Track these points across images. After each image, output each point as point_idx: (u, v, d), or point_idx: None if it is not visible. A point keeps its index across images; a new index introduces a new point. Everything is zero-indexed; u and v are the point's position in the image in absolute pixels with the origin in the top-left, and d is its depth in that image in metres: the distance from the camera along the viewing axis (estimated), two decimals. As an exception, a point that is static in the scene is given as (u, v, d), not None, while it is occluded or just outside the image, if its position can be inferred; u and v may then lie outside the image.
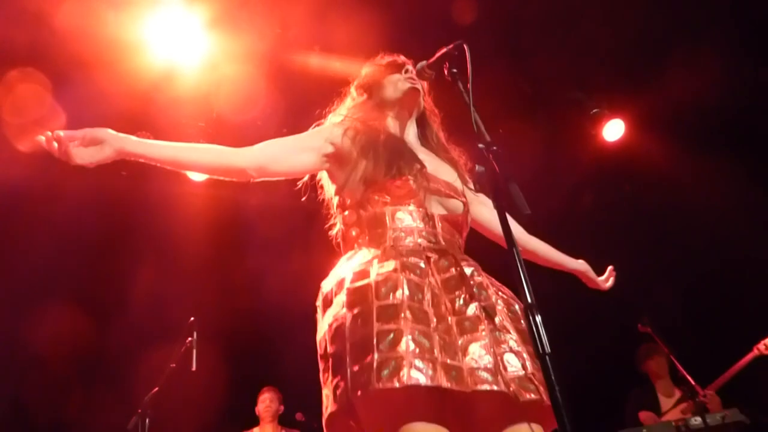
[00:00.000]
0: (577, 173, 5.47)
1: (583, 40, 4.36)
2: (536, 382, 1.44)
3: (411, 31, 3.75)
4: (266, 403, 4.92)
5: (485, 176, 1.47)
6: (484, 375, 1.42)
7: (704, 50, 4.15)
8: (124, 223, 5.06)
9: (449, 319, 1.51)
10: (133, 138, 1.58)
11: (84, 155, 1.51)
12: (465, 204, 1.81)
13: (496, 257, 1.74)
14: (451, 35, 1.73)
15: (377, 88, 1.94)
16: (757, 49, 4.47)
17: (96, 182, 4.68)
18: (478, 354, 1.45)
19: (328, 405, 1.49)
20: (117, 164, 1.58)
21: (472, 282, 1.58)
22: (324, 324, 1.59)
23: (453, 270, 1.60)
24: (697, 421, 3.86)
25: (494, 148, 1.48)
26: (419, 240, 1.65)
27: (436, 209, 1.74)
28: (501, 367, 1.44)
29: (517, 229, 2.08)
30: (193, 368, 3.82)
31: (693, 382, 4.12)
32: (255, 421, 4.94)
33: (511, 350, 1.47)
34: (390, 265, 1.55)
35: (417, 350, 1.38)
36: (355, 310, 1.49)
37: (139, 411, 3.68)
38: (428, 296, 1.51)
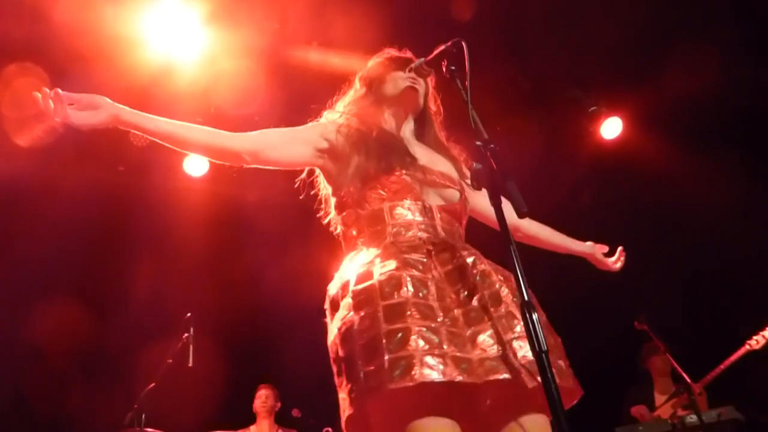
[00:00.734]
0: (575, 171, 5.47)
1: (582, 37, 4.36)
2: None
3: (410, 27, 3.74)
4: (262, 399, 4.92)
5: (483, 173, 1.47)
6: (494, 364, 1.43)
7: (703, 49, 4.15)
8: (122, 218, 5.05)
9: (455, 311, 1.51)
10: (129, 109, 1.59)
11: (79, 117, 1.52)
12: (461, 192, 1.81)
13: (497, 247, 1.74)
14: (450, 32, 1.73)
15: (379, 83, 1.94)
16: (756, 48, 4.47)
17: (94, 177, 4.68)
18: (486, 344, 1.46)
19: (345, 408, 1.50)
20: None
21: (474, 271, 1.58)
22: (333, 328, 1.59)
23: (455, 261, 1.60)
24: (692, 418, 3.88)
25: (492, 145, 1.48)
26: (419, 233, 1.66)
27: (434, 200, 1.74)
28: (511, 354, 1.45)
29: (512, 215, 2.09)
30: (190, 364, 3.82)
31: (688, 379, 4.14)
32: (252, 418, 4.95)
33: (520, 336, 1.47)
34: (392, 263, 1.55)
35: (426, 347, 1.39)
36: (362, 312, 1.50)
37: (136, 406, 3.69)
38: (432, 290, 1.52)
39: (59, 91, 1.49)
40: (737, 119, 4.85)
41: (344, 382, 1.50)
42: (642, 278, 5.07)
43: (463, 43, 1.63)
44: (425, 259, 1.58)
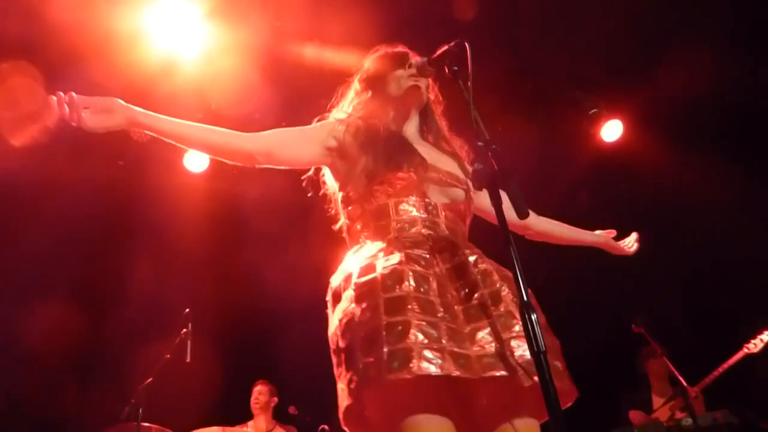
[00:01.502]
0: (575, 173, 5.48)
1: (583, 39, 4.36)
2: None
3: (410, 26, 3.74)
4: (255, 396, 4.92)
5: (484, 174, 1.47)
6: (491, 361, 1.44)
7: (704, 51, 4.15)
8: (121, 214, 5.05)
9: (455, 307, 1.53)
10: (143, 110, 1.61)
11: (94, 120, 1.54)
12: (466, 192, 1.83)
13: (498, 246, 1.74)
14: (450, 31, 1.74)
15: (381, 84, 1.94)
16: (756, 50, 4.47)
17: (92, 173, 4.67)
18: (484, 341, 1.47)
19: (343, 399, 1.51)
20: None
21: (476, 270, 1.60)
22: (334, 319, 1.61)
23: (456, 259, 1.62)
24: (688, 422, 3.89)
25: (493, 146, 1.48)
26: (423, 230, 1.67)
27: (439, 199, 1.75)
28: (508, 352, 1.46)
29: None
30: (188, 360, 3.83)
31: (684, 382, 4.15)
32: (250, 414, 4.95)
33: (518, 336, 1.49)
34: (395, 257, 1.57)
35: (426, 341, 1.41)
36: (364, 304, 1.51)
37: (133, 401, 3.69)
38: (434, 285, 1.53)
39: (74, 95, 1.51)
40: (737, 120, 4.86)
41: (343, 373, 1.51)
42: (641, 279, 5.09)
43: (466, 44, 1.64)
44: (428, 255, 1.60)
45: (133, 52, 3.91)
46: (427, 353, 1.39)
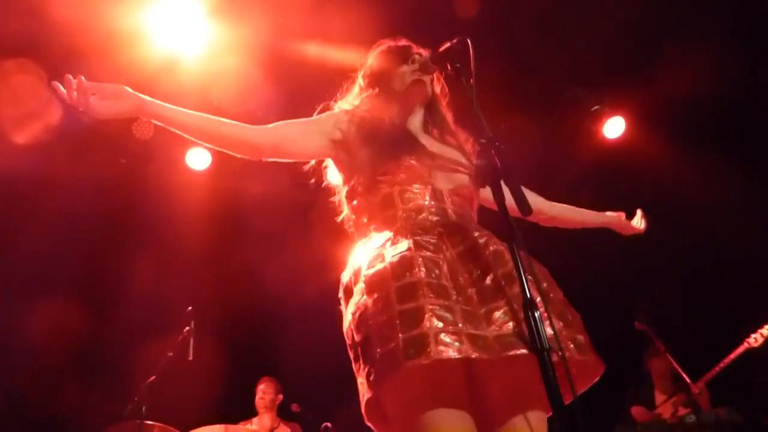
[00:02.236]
0: (577, 170, 5.47)
1: (585, 36, 4.35)
2: (561, 342, 1.43)
3: (411, 24, 3.72)
4: (260, 395, 4.91)
5: (487, 171, 1.47)
6: (511, 340, 1.42)
7: (706, 49, 4.15)
8: (123, 211, 5.05)
9: (469, 290, 1.51)
10: (151, 99, 1.60)
11: (102, 106, 1.52)
12: (471, 177, 1.81)
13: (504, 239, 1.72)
14: (450, 29, 1.73)
15: (385, 80, 1.93)
16: (758, 48, 4.46)
17: (94, 171, 4.68)
18: (501, 321, 1.46)
19: (363, 393, 1.50)
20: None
21: (487, 251, 1.58)
22: (348, 314, 1.59)
23: (466, 242, 1.60)
24: (691, 418, 3.89)
25: (497, 143, 1.48)
26: (430, 217, 1.66)
27: (444, 185, 1.74)
28: (525, 331, 1.44)
29: (535, 200, 2.12)
30: (190, 357, 3.83)
31: (687, 378, 4.15)
32: (253, 411, 4.94)
33: None
34: (403, 245, 1.56)
35: (441, 325, 1.39)
36: (375, 295, 1.50)
37: (136, 399, 3.69)
38: (445, 269, 1.52)
39: (83, 79, 1.48)
40: (737, 120, 4.85)
41: (362, 366, 1.49)
42: (644, 277, 5.08)
43: (469, 41, 1.63)
44: (436, 240, 1.58)
45: (135, 49, 3.91)
46: (444, 337, 1.37)
